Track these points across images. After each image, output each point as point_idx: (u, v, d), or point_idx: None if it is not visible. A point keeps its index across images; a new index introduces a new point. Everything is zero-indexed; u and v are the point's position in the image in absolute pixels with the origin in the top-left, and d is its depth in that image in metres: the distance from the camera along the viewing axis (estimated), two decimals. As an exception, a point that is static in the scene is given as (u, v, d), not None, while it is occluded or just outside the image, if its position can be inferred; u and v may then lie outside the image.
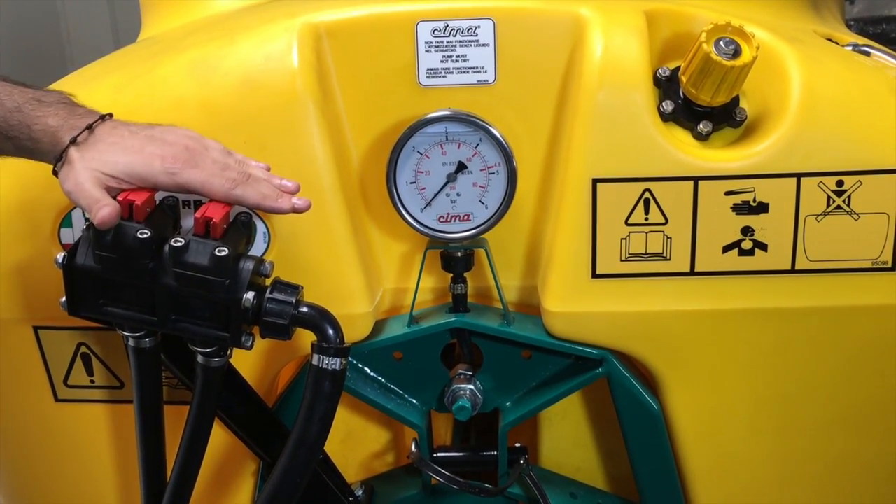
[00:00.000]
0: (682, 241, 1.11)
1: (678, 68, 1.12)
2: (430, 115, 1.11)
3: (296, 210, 1.02)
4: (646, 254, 1.12)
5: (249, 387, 1.16)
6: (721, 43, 1.06)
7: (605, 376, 1.17)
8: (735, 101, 1.12)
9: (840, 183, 1.08)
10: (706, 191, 1.09)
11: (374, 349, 1.19)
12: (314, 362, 0.99)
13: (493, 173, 1.13)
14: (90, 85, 1.18)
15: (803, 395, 1.18)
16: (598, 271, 1.13)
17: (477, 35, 1.14)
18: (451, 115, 1.11)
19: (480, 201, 1.15)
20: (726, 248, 1.11)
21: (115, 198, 0.94)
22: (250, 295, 0.96)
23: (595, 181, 1.10)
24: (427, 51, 1.14)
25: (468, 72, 1.15)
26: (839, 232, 1.10)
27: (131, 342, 1.02)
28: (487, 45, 1.14)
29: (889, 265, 1.11)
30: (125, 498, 1.26)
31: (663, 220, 1.11)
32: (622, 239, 1.12)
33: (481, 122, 1.11)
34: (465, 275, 1.19)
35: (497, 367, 1.20)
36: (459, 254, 1.17)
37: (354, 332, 1.16)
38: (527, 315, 1.21)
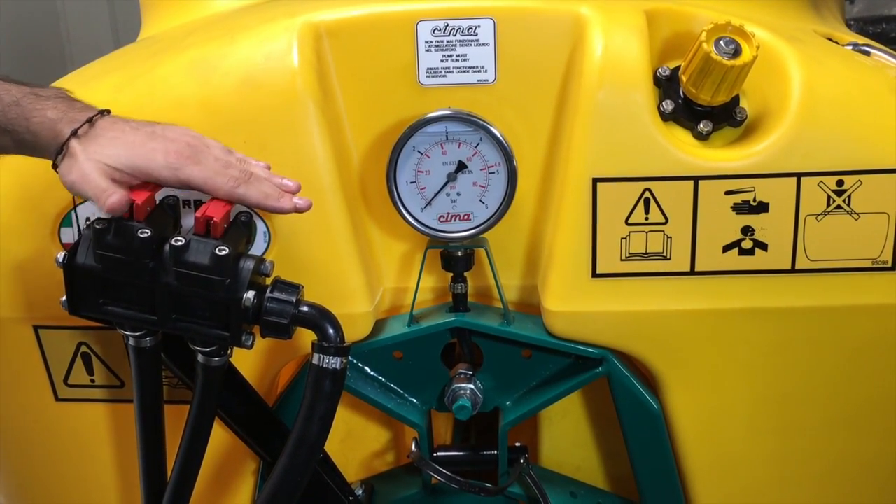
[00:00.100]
0: (682, 240, 1.11)
1: (678, 68, 1.12)
2: (430, 115, 1.11)
3: (297, 210, 1.01)
4: (646, 253, 1.12)
5: (250, 386, 1.16)
6: (721, 42, 1.06)
7: (605, 376, 1.17)
8: (735, 100, 1.12)
9: (840, 182, 1.08)
10: (706, 190, 1.09)
11: (374, 348, 1.19)
12: (314, 361, 0.99)
13: (494, 173, 1.13)
14: (90, 84, 1.18)
15: (803, 395, 1.18)
16: (599, 271, 1.13)
17: (477, 34, 1.14)
18: (452, 114, 1.11)
19: (480, 201, 1.15)
20: (726, 248, 1.11)
21: None
22: (251, 294, 0.96)
23: (595, 181, 1.10)
24: (427, 50, 1.14)
25: (468, 71, 1.15)
26: (839, 231, 1.10)
27: (131, 341, 1.02)
28: (487, 44, 1.14)
29: (889, 265, 1.11)
30: (125, 497, 1.26)
31: (663, 220, 1.11)
32: (622, 238, 1.12)
33: (481, 122, 1.11)
34: (466, 274, 1.19)
35: (497, 366, 1.20)
36: (459, 253, 1.17)
37: (355, 331, 1.16)
38: (527, 314, 1.21)
